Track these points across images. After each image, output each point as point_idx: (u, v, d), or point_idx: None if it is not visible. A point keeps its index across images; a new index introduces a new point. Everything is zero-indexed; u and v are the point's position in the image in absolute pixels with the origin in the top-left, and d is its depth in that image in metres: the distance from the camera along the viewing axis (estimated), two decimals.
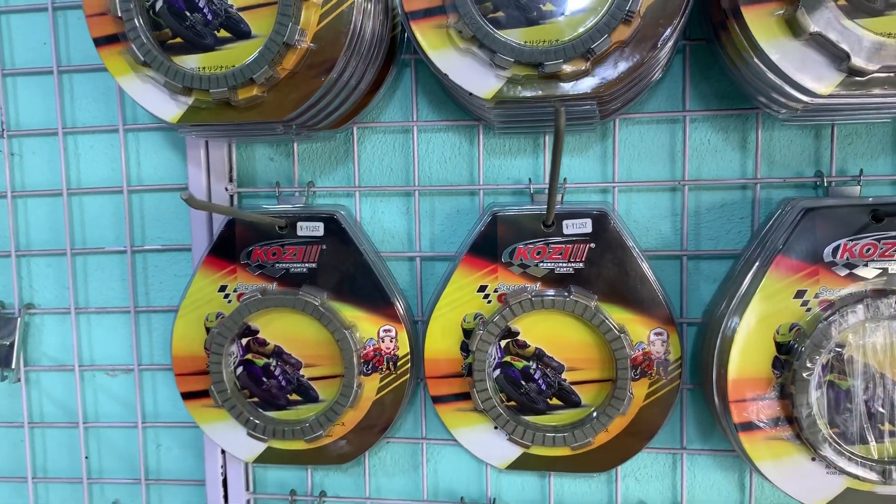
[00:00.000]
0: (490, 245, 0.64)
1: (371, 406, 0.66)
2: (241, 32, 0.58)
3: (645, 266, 0.62)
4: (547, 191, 0.50)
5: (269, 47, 0.56)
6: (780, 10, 0.51)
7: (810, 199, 0.58)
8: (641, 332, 0.62)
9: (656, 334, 0.62)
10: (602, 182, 0.67)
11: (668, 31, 0.54)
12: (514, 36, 0.56)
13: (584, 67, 0.55)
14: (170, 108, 0.60)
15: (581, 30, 0.55)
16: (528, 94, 0.56)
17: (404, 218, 0.70)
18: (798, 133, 0.64)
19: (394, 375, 0.66)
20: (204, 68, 0.58)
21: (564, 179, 0.66)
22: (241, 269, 0.67)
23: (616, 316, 0.62)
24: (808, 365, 0.54)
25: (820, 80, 0.51)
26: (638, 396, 0.63)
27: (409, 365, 0.66)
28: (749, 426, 0.56)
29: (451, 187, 0.69)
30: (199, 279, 0.67)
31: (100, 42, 0.60)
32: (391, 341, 0.66)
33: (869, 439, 0.54)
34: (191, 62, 0.58)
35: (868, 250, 0.55)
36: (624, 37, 0.54)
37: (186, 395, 0.68)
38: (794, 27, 0.51)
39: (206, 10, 0.58)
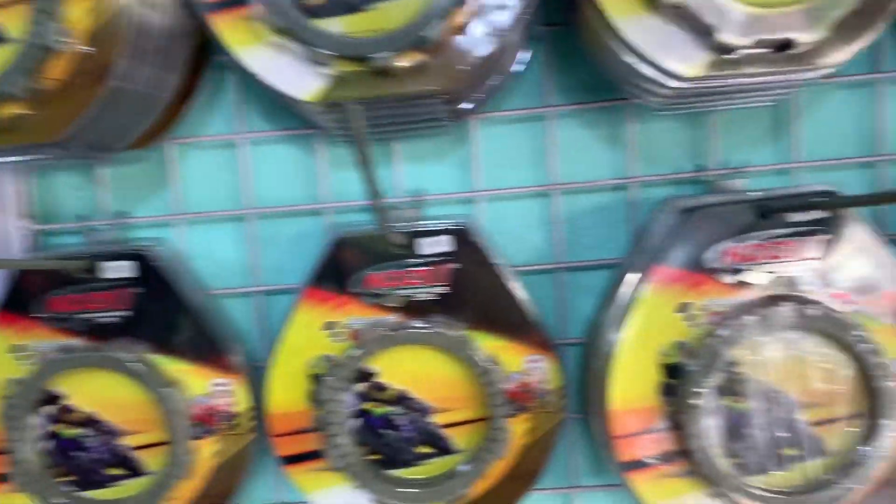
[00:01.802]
0: (335, 274, 0.54)
1: (210, 475, 0.56)
2: None
3: (515, 284, 0.54)
4: (374, 207, 0.41)
5: (25, 53, 0.45)
6: None
7: (690, 198, 0.51)
8: (516, 361, 0.54)
9: (532, 361, 0.54)
10: (464, 192, 0.59)
11: (510, 15, 0.46)
12: (336, 26, 0.47)
13: (420, 60, 0.47)
14: None
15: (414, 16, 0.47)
16: (356, 93, 0.47)
17: (239, 247, 0.60)
18: (675, 124, 0.58)
19: (234, 436, 0.56)
20: None
21: (420, 191, 0.58)
22: (37, 325, 0.55)
23: (487, 344, 0.54)
24: (698, 389, 0.47)
25: (685, 61, 0.44)
26: (517, 434, 0.54)
27: (252, 422, 0.56)
28: (638, 465, 0.49)
29: (291, 207, 0.59)
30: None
31: None
32: (226, 397, 0.56)
33: (769, 468, 0.48)
34: None
35: (755, 252, 0.49)
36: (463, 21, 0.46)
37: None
38: None
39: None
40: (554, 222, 0.58)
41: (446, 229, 0.54)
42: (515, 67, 0.54)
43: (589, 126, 0.58)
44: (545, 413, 0.55)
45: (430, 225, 0.54)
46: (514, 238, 0.59)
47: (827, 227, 0.48)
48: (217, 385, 0.55)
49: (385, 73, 0.47)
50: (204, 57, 0.56)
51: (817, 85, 0.56)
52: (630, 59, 0.46)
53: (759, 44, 0.43)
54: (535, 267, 0.59)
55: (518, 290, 0.54)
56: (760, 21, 0.43)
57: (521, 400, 0.54)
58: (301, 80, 0.48)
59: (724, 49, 0.43)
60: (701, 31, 0.44)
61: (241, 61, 0.48)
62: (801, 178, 0.56)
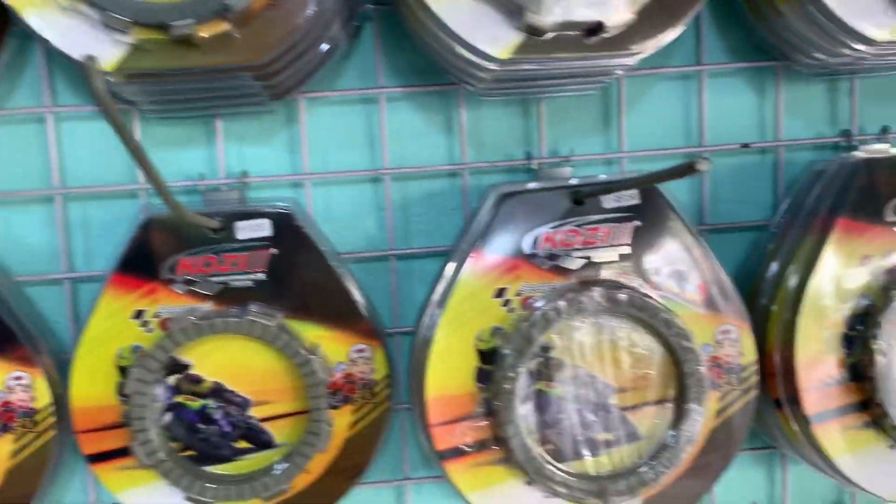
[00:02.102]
0: (145, 259, 0.51)
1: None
2: None
3: (341, 272, 0.52)
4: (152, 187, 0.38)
5: None
6: None
7: (510, 185, 0.51)
8: (340, 351, 0.52)
9: (357, 351, 0.53)
10: (291, 175, 0.56)
11: None
12: None
13: (225, 30, 0.44)
14: None
15: None
16: (155, 64, 0.44)
17: (48, 230, 0.56)
18: (506, 110, 0.57)
19: (34, 434, 0.52)
20: None
21: (244, 173, 0.55)
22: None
23: (309, 334, 0.52)
24: (511, 374, 0.46)
25: (496, 43, 0.43)
26: (340, 427, 0.53)
27: (52, 419, 0.52)
28: (454, 453, 0.48)
29: (104, 188, 0.55)
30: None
31: None
32: (26, 391, 0.51)
33: (583, 454, 0.48)
34: None
35: (571, 238, 0.48)
36: None
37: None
38: None
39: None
40: (386, 208, 0.57)
41: (266, 213, 0.51)
42: (339, 45, 0.52)
43: (421, 110, 0.57)
44: (371, 404, 0.53)
45: (249, 208, 0.51)
46: (345, 224, 0.57)
47: (638, 215, 0.48)
48: None
49: (187, 43, 0.44)
50: (5, 22, 0.52)
51: (644, 76, 0.57)
52: (445, 39, 0.44)
53: (568, 26, 0.43)
54: (367, 254, 0.57)
55: (344, 277, 0.52)
56: (571, 3, 0.43)
57: (345, 391, 0.53)
58: (96, 49, 0.44)
59: (534, 31, 0.43)
60: (512, 11, 0.43)
61: (29, 26, 0.44)
62: (627, 168, 0.57)
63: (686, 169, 0.34)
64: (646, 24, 0.45)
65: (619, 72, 0.49)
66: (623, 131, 0.57)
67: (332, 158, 0.57)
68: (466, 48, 0.44)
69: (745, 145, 0.57)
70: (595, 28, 0.43)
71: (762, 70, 0.57)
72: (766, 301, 0.51)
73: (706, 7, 0.56)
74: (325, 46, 0.50)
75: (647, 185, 0.45)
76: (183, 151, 0.56)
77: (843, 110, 0.58)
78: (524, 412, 0.47)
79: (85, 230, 0.56)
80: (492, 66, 0.44)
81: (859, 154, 0.51)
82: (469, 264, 0.48)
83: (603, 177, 0.50)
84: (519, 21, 0.43)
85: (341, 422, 0.53)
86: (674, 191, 0.57)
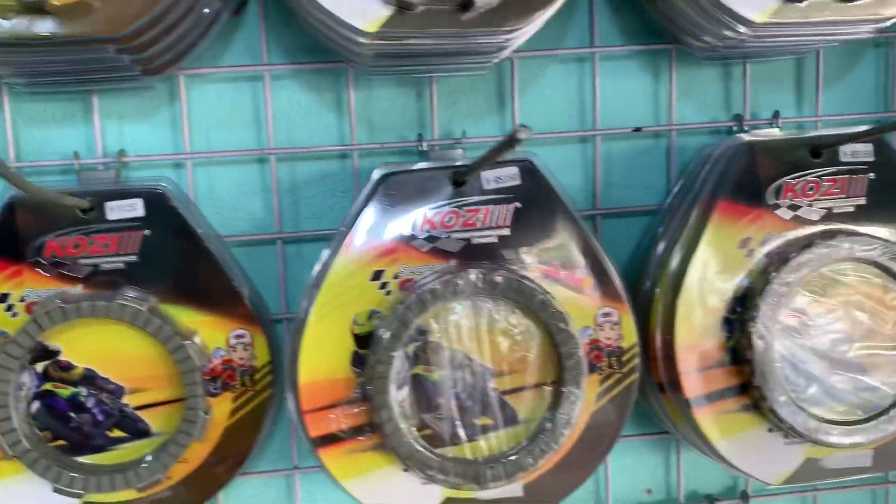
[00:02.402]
0: (10, 241, 0.48)
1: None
2: None
3: (220, 255, 0.51)
4: None
5: None
6: None
7: (391, 166, 0.49)
8: (219, 337, 0.51)
9: (237, 337, 0.51)
10: (173, 154, 0.54)
11: None
12: None
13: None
14: None
15: None
16: (5, 33, 0.42)
17: None
18: (398, 90, 0.56)
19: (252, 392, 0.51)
20: None
21: (121, 152, 0.53)
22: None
23: (185, 319, 0.50)
24: (385, 358, 0.45)
25: (364, 16, 0.42)
26: (220, 415, 0.51)
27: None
28: (329, 439, 0.47)
29: None
30: None
31: None
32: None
33: (461, 438, 0.47)
34: None
35: (450, 219, 0.47)
36: None
37: None
38: None
39: None
40: (272, 190, 0.55)
41: (138, 192, 0.49)
42: (219, 18, 0.50)
43: (312, 89, 0.55)
44: (252, 391, 0.51)
45: (121, 188, 0.49)
46: (233, 206, 0.55)
47: (518, 196, 0.48)
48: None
49: (40, 10, 0.42)
50: None
51: (537, 57, 0.56)
52: (314, 12, 0.43)
53: (438, 0, 0.42)
54: (253, 237, 0.55)
55: (223, 260, 0.51)
56: None
57: (224, 378, 0.51)
58: None
59: (404, 5, 0.42)
60: None
61: None
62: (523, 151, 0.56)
63: (509, 141, 0.33)
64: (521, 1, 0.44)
65: (501, 51, 0.48)
66: (516, 113, 0.56)
67: (217, 138, 0.55)
68: (336, 22, 0.42)
69: (638, 129, 0.57)
70: (466, 3, 0.42)
71: (657, 53, 0.57)
72: (650, 284, 0.51)
73: None
74: (202, 19, 0.48)
75: (486, 163, 0.43)
76: (59, 129, 0.53)
77: (738, 95, 0.58)
78: (401, 397, 0.46)
79: None
80: (362, 39, 0.43)
81: (743, 137, 0.51)
82: (345, 247, 0.47)
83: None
84: None
85: (220, 410, 0.51)
86: (566, 175, 0.57)
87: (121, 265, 0.49)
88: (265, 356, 0.51)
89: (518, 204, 0.48)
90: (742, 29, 0.47)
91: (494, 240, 0.48)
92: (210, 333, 0.51)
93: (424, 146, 0.54)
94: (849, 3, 0.46)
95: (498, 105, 0.57)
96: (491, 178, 0.48)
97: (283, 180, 0.55)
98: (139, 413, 0.51)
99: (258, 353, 0.51)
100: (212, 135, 0.55)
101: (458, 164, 0.49)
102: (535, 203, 0.48)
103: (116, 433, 0.51)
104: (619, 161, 0.58)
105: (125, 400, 0.50)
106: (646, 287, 0.51)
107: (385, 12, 0.42)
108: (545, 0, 0.44)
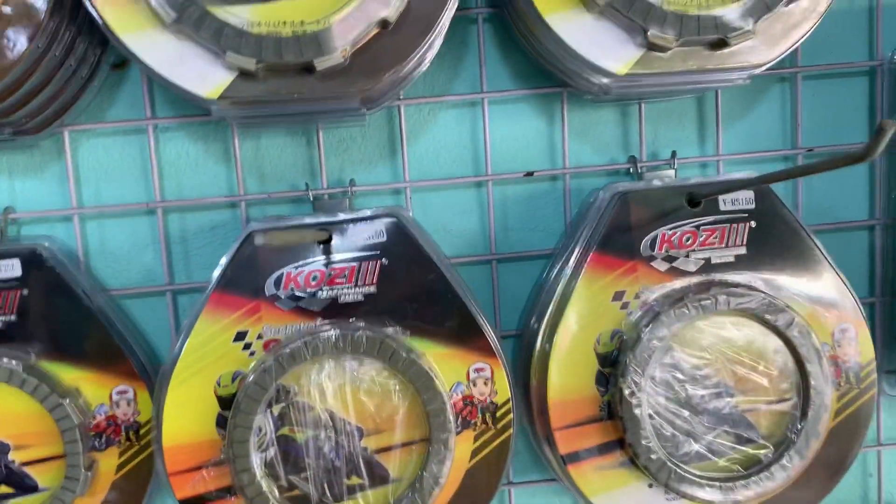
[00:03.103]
0: None
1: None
2: None
3: (102, 312, 0.51)
4: None
5: None
6: None
7: (264, 221, 0.49)
8: (102, 393, 0.51)
9: (120, 392, 0.51)
10: (60, 210, 0.55)
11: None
12: None
13: None
14: None
15: None
16: None
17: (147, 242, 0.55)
18: (288, 139, 0.56)
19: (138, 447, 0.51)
20: None
21: (8, 209, 0.53)
22: None
23: (66, 376, 0.50)
24: (244, 422, 0.45)
25: (204, 84, 0.42)
26: (106, 470, 0.51)
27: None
28: (196, 501, 0.47)
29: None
30: None
31: None
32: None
33: (329, 500, 0.46)
34: None
35: (315, 277, 0.47)
36: None
37: None
38: None
39: None
40: (162, 242, 0.55)
41: (15, 252, 0.50)
42: (92, 80, 0.50)
43: (198, 140, 0.55)
44: (137, 446, 0.52)
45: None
46: (121, 259, 0.55)
47: (383, 253, 0.47)
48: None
49: None
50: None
51: (427, 103, 0.55)
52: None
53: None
54: (144, 290, 0.56)
55: (104, 316, 0.51)
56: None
57: (108, 433, 0.51)
58: None
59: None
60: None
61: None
62: (412, 198, 0.56)
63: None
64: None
65: (369, 108, 0.48)
66: (406, 160, 0.55)
67: (107, 191, 0.55)
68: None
69: (530, 174, 0.56)
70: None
71: (550, 95, 0.56)
72: (530, 336, 0.50)
73: (487, 32, 0.55)
74: (69, 82, 0.48)
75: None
76: None
77: (636, 134, 0.57)
78: (268, 458, 0.46)
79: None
80: (212, 103, 0.43)
81: (618, 186, 0.49)
82: (210, 304, 0.47)
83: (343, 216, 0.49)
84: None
85: (107, 464, 0.51)
86: (461, 220, 0.56)
87: (4, 324, 0.50)
88: (148, 413, 0.51)
89: (384, 260, 0.47)
90: (605, 80, 0.46)
91: (360, 298, 0.47)
92: (93, 390, 0.51)
93: (311, 195, 0.54)
94: (715, 52, 0.45)
95: (389, 151, 0.56)
96: (359, 233, 0.47)
97: (173, 231, 0.56)
98: (26, 469, 0.51)
99: (142, 409, 0.51)
100: (102, 187, 0.55)
101: (332, 219, 0.48)
102: (400, 256, 0.47)
103: (4, 489, 0.51)
104: (515, 204, 0.57)
105: (11, 456, 0.51)
106: (528, 338, 0.51)
107: (226, 78, 0.42)
108: (394, 59, 0.43)
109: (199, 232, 0.56)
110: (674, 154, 0.55)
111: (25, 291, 0.50)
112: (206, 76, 0.42)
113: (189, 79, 0.41)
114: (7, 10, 0.43)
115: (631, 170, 0.56)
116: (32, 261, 0.50)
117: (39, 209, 0.54)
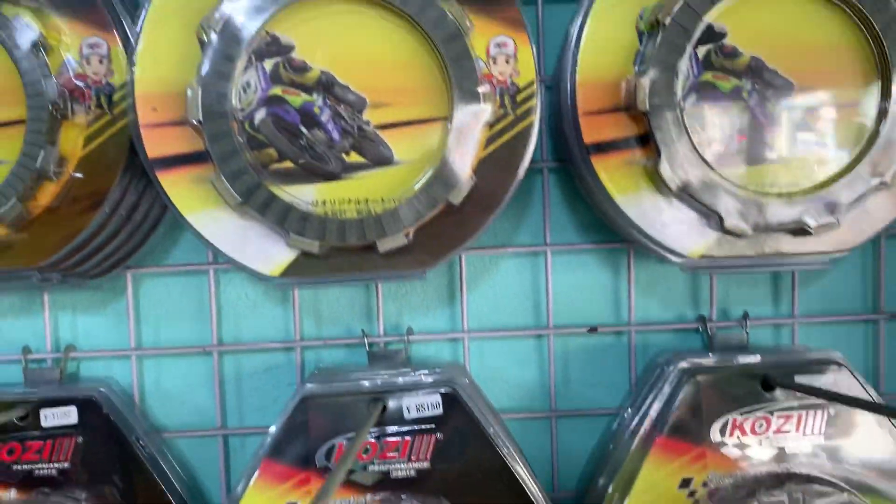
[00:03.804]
0: None
1: None
2: None
3: (157, 460, 0.50)
4: None
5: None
6: None
7: (318, 381, 0.48)
8: None
9: None
10: (118, 350, 0.55)
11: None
12: None
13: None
14: None
15: None
16: None
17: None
18: (347, 286, 0.55)
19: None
20: None
21: (69, 347, 0.54)
22: None
23: None
24: None
25: (267, 262, 0.42)
26: None
27: None
28: None
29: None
30: None
31: None
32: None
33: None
34: None
35: (366, 451, 0.46)
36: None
37: None
38: None
39: None
40: (216, 384, 0.55)
41: (72, 399, 0.50)
42: (157, 225, 0.51)
43: (256, 282, 0.55)
44: None
45: (55, 395, 0.50)
46: (176, 398, 0.55)
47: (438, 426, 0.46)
48: None
49: None
50: None
51: (489, 255, 0.54)
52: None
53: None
54: (197, 433, 0.55)
55: (160, 463, 0.50)
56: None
57: None
58: None
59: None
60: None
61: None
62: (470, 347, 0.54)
63: None
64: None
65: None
66: (465, 308, 0.54)
67: (166, 330, 0.55)
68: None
69: (593, 329, 0.54)
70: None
71: (616, 249, 0.54)
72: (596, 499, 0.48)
73: (552, 182, 0.54)
74: (132, 236, 0.49)
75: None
76: (13, 320, 0.55)
77: (706, 290, 0.54)
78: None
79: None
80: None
81: (688, 360, 0.47)
82: (260, 471, 0.46)
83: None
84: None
85: None
86: (521, 372, 0.55)
87: (53, 472, 0.50)
88: None
89: (439, 435, 0.46)
90: (677, 260, 0.44)
91: (413, 473, 0.46)
92: None
93: (367, 343, 0.53)
94: (797, 237, 0.43)
95: (448, 298, 0.55)
96: (412, 405, 0.46)
97: (228, 371, 0.55)
98: None
99: None
100: (160, 326, 0.55)
101: (388, 387, 0.47)
102: (457, 434, 0.45)
103: None
104: (577, 357, 0.55)
105: None
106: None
107: (289, 256, 0.42)
108: (458, 238, 0.42)
109: (254, 373, 0.55)
110: (745, 315, 0.52)
111: (80, 439, 0.50)
112: (268, 255, 0.41)
113: (252, 257, 0.41)
114: (77, 174, 0.44)
115: (700, 329, 0.53)
116: (88, 408, 0.50)
117: (99, 346, 0.55)
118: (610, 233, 0.53)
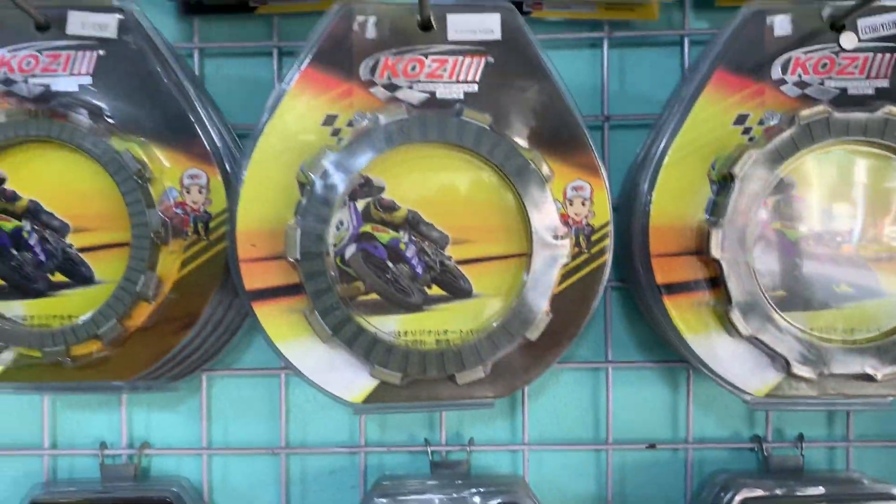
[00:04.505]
0: None
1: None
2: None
3: None
4: None
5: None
6: None
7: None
8: None
9: None
10: (191, 449, 0.57)
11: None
12: None
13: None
14: None
15: None
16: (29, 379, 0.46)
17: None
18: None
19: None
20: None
21: (144, 444, 0.56)
22: None
23: None
24: None
25: (350, 388, 0.44)
26: None
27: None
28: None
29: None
30: None
31: None
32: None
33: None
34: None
35: None
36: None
37: None
38: None
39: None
40: (283, 484, 0.56)
41: (148, 500, 0.52)
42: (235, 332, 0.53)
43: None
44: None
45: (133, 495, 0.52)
46: (243, 497, 0.57)
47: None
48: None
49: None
50: None
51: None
52: None
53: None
54: None
55: None
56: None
57: None
58: None
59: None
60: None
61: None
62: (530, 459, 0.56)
63: None
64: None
65: None
66: (526, 420, 0.56)
67: (235, 429, 0.57)
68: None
69: (652, 446, 0.55)
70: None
71: (675, 368, 0.56)
72: None
73: (614, 300, 0.55)
74: (213, 344, 0.51)
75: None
76: (92, 414, 0.57)
77: (761, 411, 0.56)
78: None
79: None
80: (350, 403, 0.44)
81: (748, 492, 0.48)
82: None
83: None
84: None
85: None
86: (578, 484, 0.56)
87: None
88: None
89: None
90: (745, 398, 0.45)
91: None
92: None
93: (432, 450, 0.55)
94: (866, 382, 0.44)
95: (509, 408, 0.57)
96: None
97: (294, 471, 0.57)
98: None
99: None
100: (230, 425, 0.57)
101: None
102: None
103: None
104: (635, 472, 0.56)
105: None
106: None
107: (370, 385, 0.44)
108: (533, 371, 0.44)
109: (319, 475, 0.57)
110: (801, 437, 0.54)
111: None
112: (352, 383, 0.43)
113: (336, 385, 0.43)
114: (172, 296, 0.46)
115: (755, 449, 0.55)
116: None
117: (170, 442, 0.57)
118: (669, 351, 0.55)
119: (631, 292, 0.54)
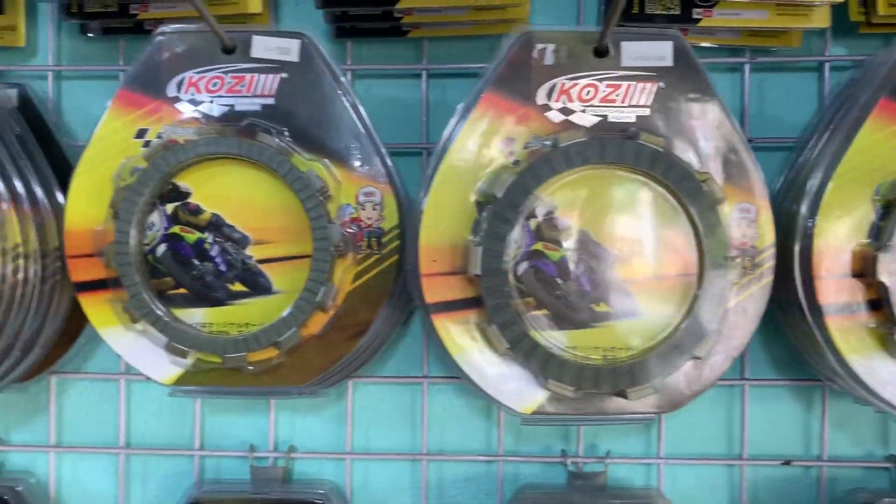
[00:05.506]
0: None
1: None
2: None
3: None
4: None
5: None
6: None
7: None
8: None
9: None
10: (336, 453, 0.59)
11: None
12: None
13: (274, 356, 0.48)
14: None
15: None
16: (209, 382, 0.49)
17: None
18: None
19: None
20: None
21: (291, 447, 0.58)
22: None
23: None
24: None
25: (521, 400, 0.45)
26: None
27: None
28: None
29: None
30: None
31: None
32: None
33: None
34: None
35: None
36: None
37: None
38: None
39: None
40: (422, 488, 0.58)
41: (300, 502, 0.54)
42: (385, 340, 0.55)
43: (462, 395, 0.59)
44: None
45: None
46: (381, 500, 0.59)
47: None
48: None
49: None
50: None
51: None
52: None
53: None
54: None
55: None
56: None
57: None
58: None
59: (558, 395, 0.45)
60: None
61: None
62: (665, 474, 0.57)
63: None
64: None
65: None
66: (662, 436, 0.57)
67: (376, 434, 0.59)
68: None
69: (787, 462, 0.56)
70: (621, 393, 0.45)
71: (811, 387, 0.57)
72: None
73: None
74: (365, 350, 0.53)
75: None
76: (239, 417, 0.60)
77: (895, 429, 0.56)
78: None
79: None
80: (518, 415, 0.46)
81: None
82: None
83: None
84: None
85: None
86: (714, 498, 0.57)
87: None
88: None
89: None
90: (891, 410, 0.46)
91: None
92: None
93: (569, 462, 0.56)
94: None
95: (644, 426, 0.58)
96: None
97: (431, 479, 0.59)
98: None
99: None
100: (371, 431, 0.59)
101: None
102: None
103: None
104: (768, 488, 0.57)
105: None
106: None
107: (540, 397, 0.45)
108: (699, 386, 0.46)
109: (455, 481, 0.59)
110: None
111: None
112: (523, 394, 0.45)
113: (508, 396, 0.45)
114: (345, 306, 0.49)
115: (890, 468, 0.55)
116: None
117: (314, 446, 0.59)
118: (804, 369, 0.56)
119: (771, 311, 0.55)
